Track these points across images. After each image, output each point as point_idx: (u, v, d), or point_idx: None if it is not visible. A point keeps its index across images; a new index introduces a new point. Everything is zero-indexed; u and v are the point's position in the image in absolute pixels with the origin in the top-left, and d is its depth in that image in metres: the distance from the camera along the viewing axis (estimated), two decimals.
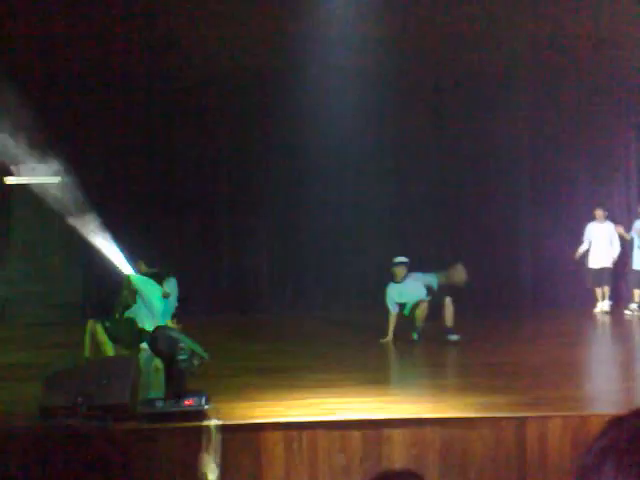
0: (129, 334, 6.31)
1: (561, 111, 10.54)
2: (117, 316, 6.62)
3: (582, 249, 9.94)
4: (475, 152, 10.64)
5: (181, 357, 4.73)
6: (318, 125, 10.20)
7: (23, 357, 7.09)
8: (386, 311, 7.82)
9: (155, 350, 4.91)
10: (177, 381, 4.69)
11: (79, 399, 4.44)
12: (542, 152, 10.67)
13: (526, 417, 4.43)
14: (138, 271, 7.33)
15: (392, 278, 7.90)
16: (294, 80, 10.03)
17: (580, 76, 10.40)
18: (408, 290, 7.80)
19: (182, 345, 4.82)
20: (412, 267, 8.02)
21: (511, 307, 9.99)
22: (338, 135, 10.40)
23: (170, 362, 4.71)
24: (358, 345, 7.62)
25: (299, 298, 10.52)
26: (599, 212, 9.96)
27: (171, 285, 7.64)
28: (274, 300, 10.51)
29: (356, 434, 4.35)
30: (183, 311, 8.27)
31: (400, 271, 7.89)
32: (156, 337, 4.90)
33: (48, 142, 10.20)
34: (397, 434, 4.37)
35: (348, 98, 9.98)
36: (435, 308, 7.67)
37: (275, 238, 10.66)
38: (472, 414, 4.53)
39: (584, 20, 9.76)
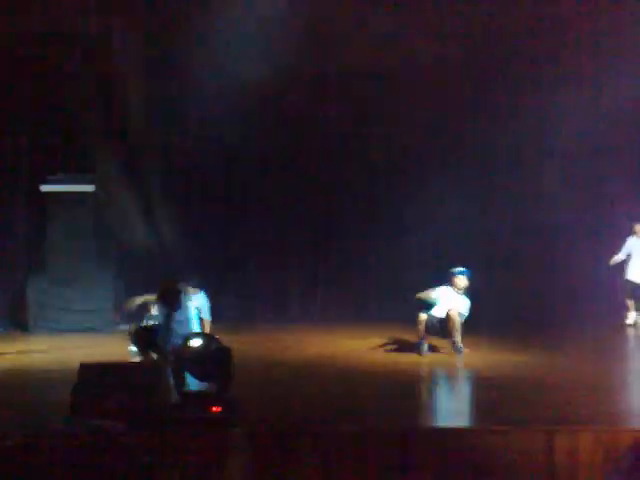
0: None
1: (599, 118, 10.38)
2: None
3: (618, 259, 9.80)
4: (508, 165, 10.55)
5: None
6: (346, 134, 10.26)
7: (54, 361, 7.20)
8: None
9: (207, 355, 4.79)
10: (229, 383, 4.69)
11: (109, 403, 4.48)
12: (578, 163, 10.54)
13: (556, 430, 4.36)
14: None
15: (451, 285, 7.62)
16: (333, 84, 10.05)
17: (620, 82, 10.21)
18: (459, 303, 7.59)
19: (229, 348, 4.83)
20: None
21: (542, 320, 9.86)
22: (367, 144, 10.44)
23: (223, 367, 4.69)
24: (386, 355, 7.58)
25: (329, 308, 10.52)
26: (639, 227, 9.85)
27: (201, 299, 7.64)
28: (304, 310, 10.53)
29: (383, 443, 4.32)
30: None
31: (462, 282, 7.60)
32: (209, 341, 4.85)
33: (85, 151, 10.46)
34: (423, 444, 4.33)
35: (392, 107, 9.99)
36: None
37: (306, 247, 10.68)
38: (500, 426, 4.47)
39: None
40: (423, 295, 7.63)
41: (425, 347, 7.53)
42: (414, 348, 7.56)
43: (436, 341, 7.73)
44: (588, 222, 10.40)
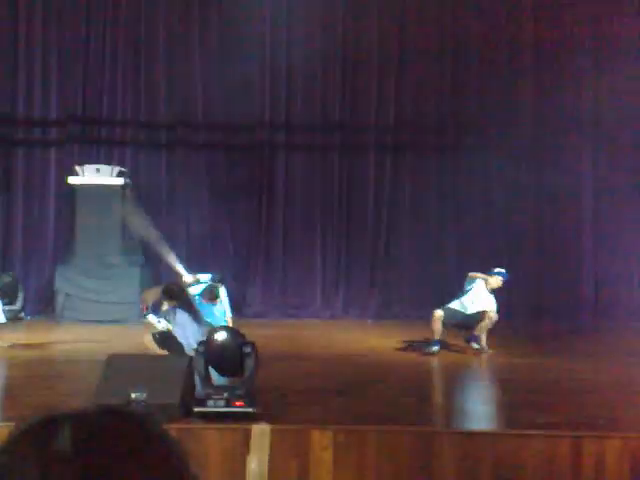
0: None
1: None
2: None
3: None
4: (538, 167, 10.36)
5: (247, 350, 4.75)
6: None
7: (80, 351, 7.27)
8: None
9: (231, 350, 4.80)
10: (253, 378, 4.70)
11: (132, 396, 4.51)
12: (605, 164, 10.34)
13: (582, 436, 4.28)
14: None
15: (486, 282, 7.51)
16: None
17: None
18: (490, 302, 7.49)
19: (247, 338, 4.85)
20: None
21: (571, 322, 9.70)
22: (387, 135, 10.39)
23: (247, 361, 4.71)
24: (408, 354, 7.51)
25: (351, 304, 10.46)
26: None
27: (222, 295, 7.66)
28: (325, 305, 10.49)
29: (406, 445, 4.29)
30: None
31: (497, 283, 7.50)
32: (233, 335, 4.86)
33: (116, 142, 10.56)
34: (448, 447, 4.29)
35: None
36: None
37: (329, 241, 10.63)
38: (526, 430, 4.41)
39: None
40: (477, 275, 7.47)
41: (437, 347, 7.34)
42: (424, 346, 7.42)
43: (452, 339, 7.64)
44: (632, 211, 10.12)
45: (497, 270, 7.63)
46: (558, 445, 4.27)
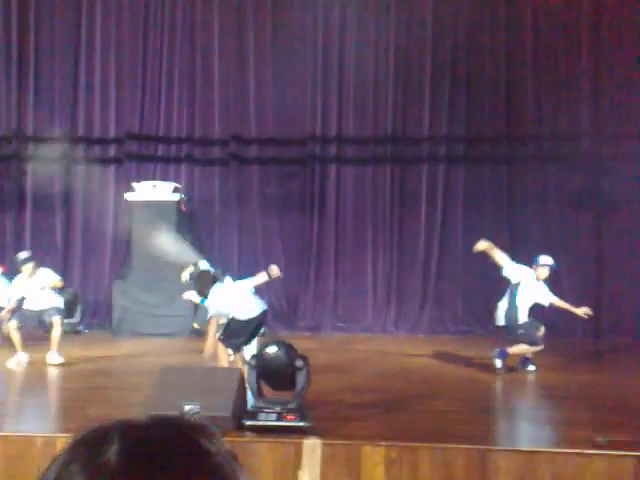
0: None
1: None
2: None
3: None
4: (597, 175, 10.08)
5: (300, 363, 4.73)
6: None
7: (135, 364, 7.39)
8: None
9: (283, 363, 4.77)
10: (304, 392, 4.68)
11: (185, 408, 4.55)
12: None
13: None
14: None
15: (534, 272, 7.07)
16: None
17: None
18: (542, 291, 7.02)
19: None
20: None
21: (633, 337, 9.37)
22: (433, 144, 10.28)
23: (298, 375, 4.69)
24: (462, 370, 7.38)
25: (402, 318, 10.34)
26: None
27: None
28: (376, 319, 10.40)
29: (460, 462, 4.19)
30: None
31: (545, 274, 7.02)
32: (285, 349, 4.85)
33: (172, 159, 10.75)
34: (504, 465, 4.18)
35: None
36: None
37: (380, 255, 10.55)
38: (586, 450, 4.26)
39: None
40: (497, 256, 7.04)
41: (502, 361, 6.99)
42: (492, 356, 7.08)
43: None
44: None
45: (542, 262, 7.11)
46: (621, 465, 4.11)
